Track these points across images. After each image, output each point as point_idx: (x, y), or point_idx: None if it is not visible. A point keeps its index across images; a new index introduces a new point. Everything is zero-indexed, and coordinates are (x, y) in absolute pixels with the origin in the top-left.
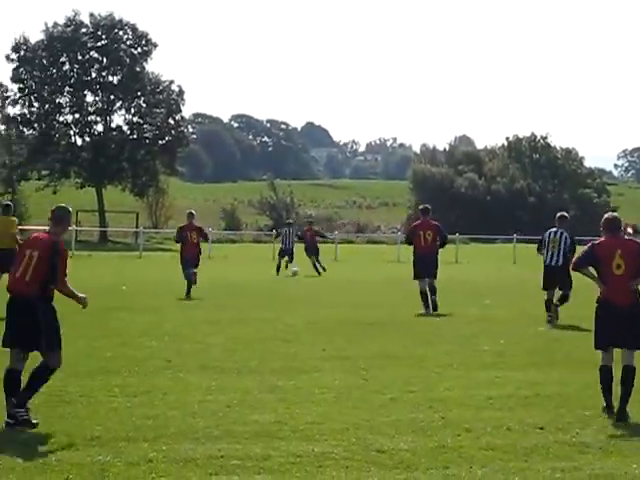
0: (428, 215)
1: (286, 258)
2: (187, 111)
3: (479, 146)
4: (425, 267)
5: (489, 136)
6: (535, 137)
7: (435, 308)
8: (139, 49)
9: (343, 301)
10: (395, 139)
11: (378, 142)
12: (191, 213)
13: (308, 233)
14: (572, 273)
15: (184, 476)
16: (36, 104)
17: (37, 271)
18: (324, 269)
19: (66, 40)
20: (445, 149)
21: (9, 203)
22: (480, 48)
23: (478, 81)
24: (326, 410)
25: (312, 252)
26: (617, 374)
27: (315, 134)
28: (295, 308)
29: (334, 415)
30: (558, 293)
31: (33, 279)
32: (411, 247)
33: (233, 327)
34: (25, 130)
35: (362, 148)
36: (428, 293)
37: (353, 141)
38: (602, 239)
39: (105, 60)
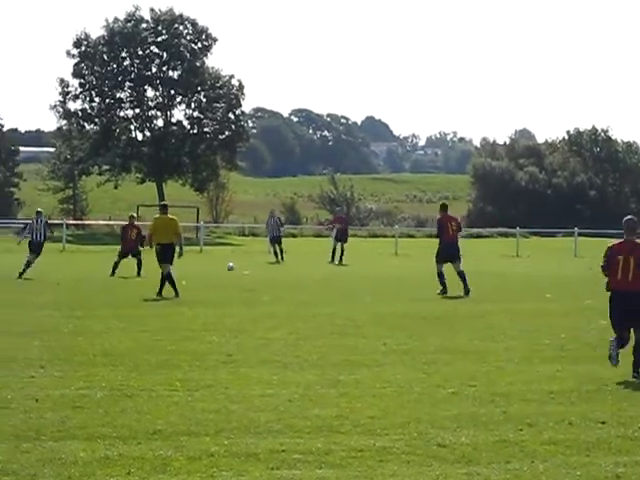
0: (447, 210)
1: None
2: (247, 106)
3: (540, 140)
4: (451, 253)
5: (550, 129)
6: (596, 130)
7: (467, 292)
8: (199, 44)
9: (403, 295)
10: (455, 133)
11: (438, 136)
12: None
13: (339, 221)
14: None
15: (245, 470)
16: (97, 99)
17: None
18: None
19: (126, 35)
20: (505, 143)
21: (165, 203)
22: (541, 41)
23: (540, 74)
24: (387, 404)
25: (342, 238)
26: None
27: (375, 128)
28: (355, 302)
29: (395, 409)
30: None
31: None
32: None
33: (293, 322)
34: (86, 125)
35: (422, 142)
36: (459, 279)
37: (413, 135)
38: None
39: (165, 55)
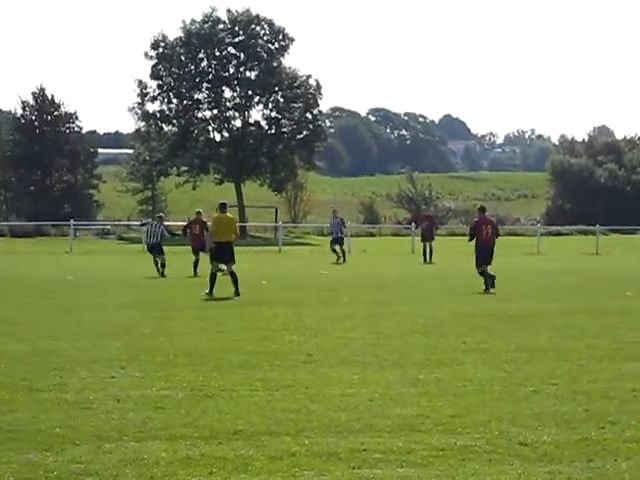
0: (484, 212)
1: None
2: (325, 105)
3: (618, 136)
4: (485, 255)
5: (629, 126)
6: None
7: (493, 285)
8: (276, 44)
9: (484, 294)
10: (533, 130)
11: (516, 134)
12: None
13: (425, 220)
14: None
15: (327, 470)
16: (175, 100)
17: None
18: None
19: (204, 37)
20: (584, 140)
21: (225, 202)
22: (619, 36)
23: (619, 70)
24: (468, 403)
25: (430, 238)
26: None
27: (453, 126)
28: (434, 301)
29: (476, 408)
30: None
31: None
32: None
33: (373, 321)
34: (164, 126)
35: (500, 140)
36: (487, 279)
37: (491, 133)
38: None
39: (242, 56)
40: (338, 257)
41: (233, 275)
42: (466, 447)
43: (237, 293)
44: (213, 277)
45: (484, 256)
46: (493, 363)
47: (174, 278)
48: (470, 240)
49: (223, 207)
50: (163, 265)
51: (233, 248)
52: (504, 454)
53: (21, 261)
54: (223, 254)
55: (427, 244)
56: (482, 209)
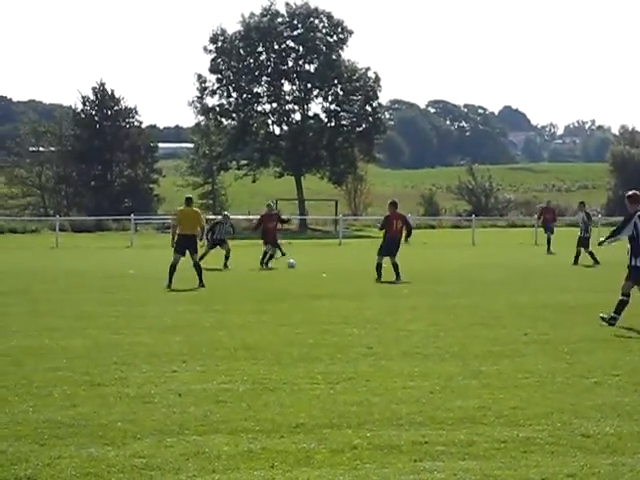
0: (396, 208)
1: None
2: (384, 98)
3: None
4: (391, 249)
5: None
6: None
7: (398, 277)
8: (335, 37)
9: (543, 285)
10: (594, 121)
11: (576, 125)
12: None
13: (547, 212)
14: None
15: (388, 462)
16: (234, 94)
17: None
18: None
19: (262, 30)
20: None
21: (190, 196)
22: None
23: None
24: (530, 395)
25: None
26: None
27: (513, 118)
28: (494, 293)
29: (538, 400)
30: None
31: None
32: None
33: (433, 313)
34: (223, 120)
35: (560, 131)
36: (392, 268)
37: (551, 124)
38: None
39: (301, 49)
40: None
41: (197, 267)
42: (528, 439)
43: (201, 284)
44: (172, 268)
45: (389, 249)
46: (554, 354)
47: (234, 271)
48: (380, 229)
49: (188, 201)
50: (227, 256)
51: (197, 241)
52: (566, 446)
53: (82, 256)
54: (187, 246)
55: (549, 235)
56: (393, 204)
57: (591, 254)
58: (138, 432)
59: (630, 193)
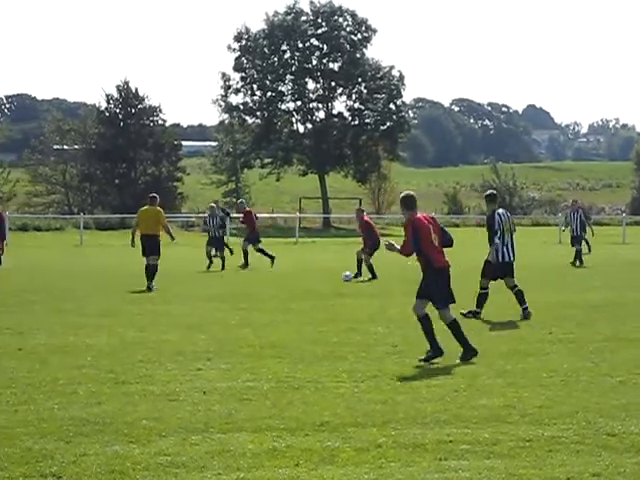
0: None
1: None
2: (408, 96)
3: None
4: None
5: None
6: None
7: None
8: (359, 35)
9: (568, 284)
10: (618, 119)
11: (600, 123)
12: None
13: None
14: None
15: (413, 461)
16: (258, 92)
17: None
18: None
19: (286, 28)
20: None
21: (155, 195)
22: None
23: None
24: (555, 393)
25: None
26: None
27: (537, 116)
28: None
29: (563, 398)
30: None
31: None
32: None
33: (457, 312)
34: (247, 119)
35: (584, 129)
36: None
37: (575, 123)
38: None
39: (325, 47)
40: None
41: (153, 268)
42: (553, 438)
43: (149, 287)
44: (154, 269)
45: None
46: (579, 353)
47: (259, 270)
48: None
49: (152, 200)
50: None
51: (159, 242)
52: (592, 445)
53: (106, 253)
54: (148, 247)
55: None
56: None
57: (579, 252)
58: (163, 430)
59: None
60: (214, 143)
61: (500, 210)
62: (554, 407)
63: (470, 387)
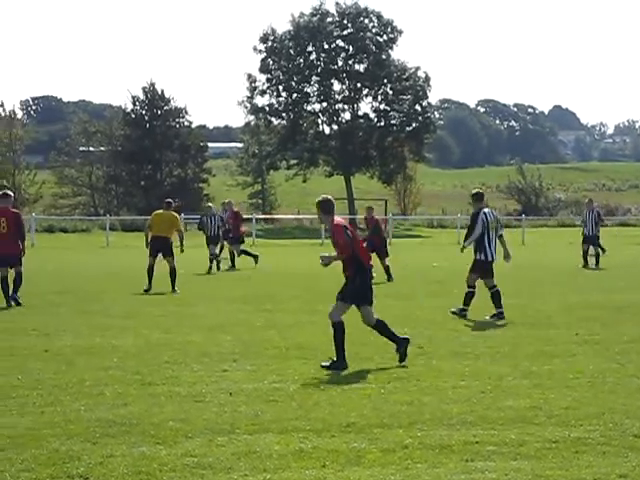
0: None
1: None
2: (434, 97)
3: None
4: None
5: None
6: None
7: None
8: (384, 36)
9: (594, 285)
10: None
11: (627, 124)
12: None
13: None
14: None
15: (440, 462)
16: (284, 94)
17: None
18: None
19: (312, 30)
20: None
21: (170, 200)
22: None
23: None
24: (581, 395)
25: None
26: None
27: (563, 117)
28: (544, 293)
29: (589, 400)
30: None
31: None
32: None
33: (483, 313)
34: (273, 120)
35: (610, 130)
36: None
37: (601, 123)
38: None
39: (351, 48)
40: None
41: (173, 271)
42: (580, 439)
43: (174, 289)
44: (149, 270)
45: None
46: (605, 355)
47: (285, 271)
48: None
49: (168, 205)
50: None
51: (171, 243)
52: (618, 446)
53: (132, 255)
54: (162, 248)
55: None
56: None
57: (594, 252)
58: (189, 431)
59: None
60: (240, 144)
61: (486, 209)
62: (580, 408)
63: (496, 388)
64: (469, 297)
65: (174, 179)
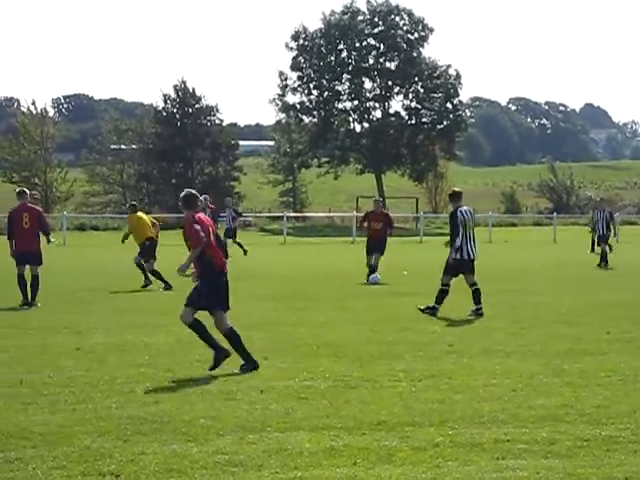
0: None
1: None
2: (465, 95)
3: None
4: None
5: None
6: None
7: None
8: (415, 34)
9: (626, 284)
10: None
11: None
12: None
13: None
14: None
15: (471, 460)
16: (315, 92)
17: None
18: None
19: (343, 27)
20: None
21: (134, 203)
22: None
23: None
24: (612, 393)
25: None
26: None
27: (594, 115)
28: (575, 291)
29: (621, 398)
30: None
31: None
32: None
33: (515, 311)
34: (304, 118)
35: None
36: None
37: (633, 121)
38: None
39: (382, 46)
40: None
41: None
42: (611, 438)
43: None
44: (154, 273)
45: (373, 247)
46: (637, 353)
47: (316, 269)
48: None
49: (133, 207)
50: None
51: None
52: None
53: (162, 253)
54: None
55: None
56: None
57: (605, 254)
58: (220, 429)
59: None
60: (271, 143)
61: (464, 208)
62: (612, 407)
63: (527, 387)
64: (443, 295)
65: (205, 177)
